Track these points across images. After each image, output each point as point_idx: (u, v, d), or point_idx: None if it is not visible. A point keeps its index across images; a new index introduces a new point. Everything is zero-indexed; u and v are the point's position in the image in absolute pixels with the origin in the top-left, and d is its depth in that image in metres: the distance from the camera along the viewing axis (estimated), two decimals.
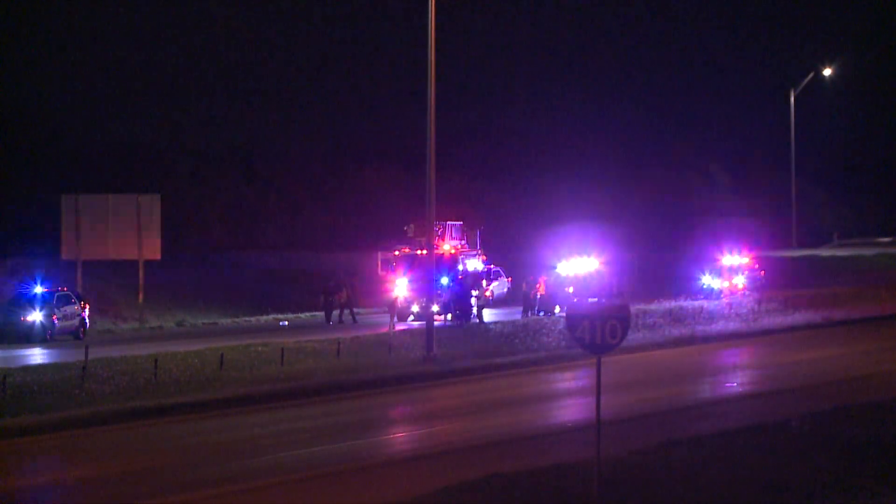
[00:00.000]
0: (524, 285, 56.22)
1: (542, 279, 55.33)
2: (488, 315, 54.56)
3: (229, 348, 40.46)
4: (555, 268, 56.87)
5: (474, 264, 55.63)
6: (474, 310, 52.88)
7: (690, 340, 44.61)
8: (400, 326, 50.80)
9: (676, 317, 49.79)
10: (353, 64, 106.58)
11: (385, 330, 48.77)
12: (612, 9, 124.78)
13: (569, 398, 33.05)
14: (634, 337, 41.49)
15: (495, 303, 58.25)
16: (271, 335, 46.77)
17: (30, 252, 59.25)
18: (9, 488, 22.08)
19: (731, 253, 64.11)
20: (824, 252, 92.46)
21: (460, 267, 54.33)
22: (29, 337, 46.23)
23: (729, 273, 63.25)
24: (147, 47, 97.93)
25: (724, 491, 19.86)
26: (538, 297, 54.77)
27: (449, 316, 52.29)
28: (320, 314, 59.21)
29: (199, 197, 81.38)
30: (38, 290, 48.01)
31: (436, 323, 42.96)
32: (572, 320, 19.64)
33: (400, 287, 52.81)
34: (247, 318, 58.29)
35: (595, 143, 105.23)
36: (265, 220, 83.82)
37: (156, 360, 34.99)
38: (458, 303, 52.28)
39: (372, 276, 57.05)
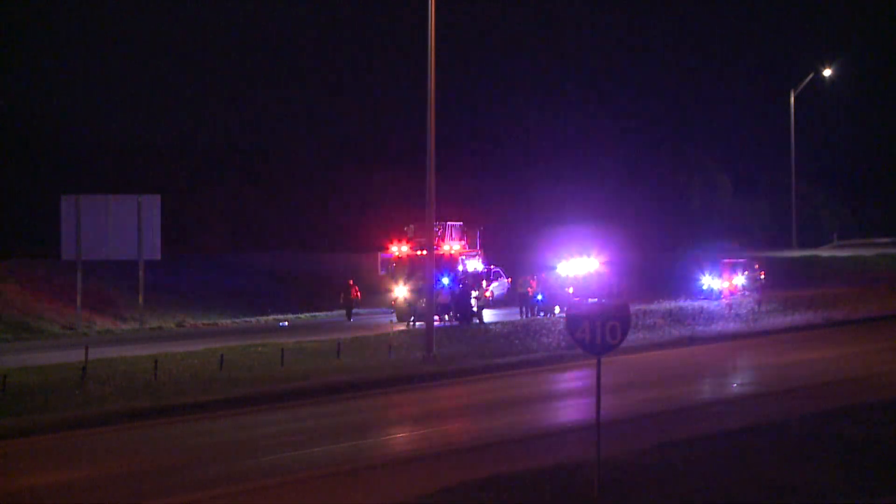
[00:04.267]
0: (518, 285, 56.32)
1: (536, 278, 55.34)
2: (488, 315, 54.58)
3: (229, 349, 40.50)
4: (555, 268, 56.93)
5: (474, 265, 55.65)
6: (474, 310, 52.90)
7: (690, 341, 44.63)
8: (399, 327, 50.83)
9: (676, 317, 49.80)
10: (354, 64, 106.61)
11: (386, 330, 48.83)
12: (613, 9, 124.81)
13: (569, 398, 33.04)
14: (634, 337, 41.53)
15: (495, 303, 58.28)
16: (271, 336, 46.80)
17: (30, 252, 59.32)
18: (9, 488, 22.08)
19: (730, 253, 64.13)
20: (824, 252, 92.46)
21: (460, 267, 54.35)
22: None
23: (729, 273, 63.27)
24: (147, 47, 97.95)
25: (725, 491, 19.86)
26: (534, 296, 54.82)
27: (447, 317, 52.31)
28: (321, 314, 59.46)
29: (199, 197, 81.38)
30: None
31: (436, 323, 42.98)
32: (572, 321, 19.63)
33: (399, 287, 52.89)
34: (247, 319, 58.29)
35: (595, 143, 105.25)
36: (265, 220, 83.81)
37: (156, 361, 35.02)
38: (459, 304, 52.28)
39: (372, 277, 57.23)
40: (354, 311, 56.96)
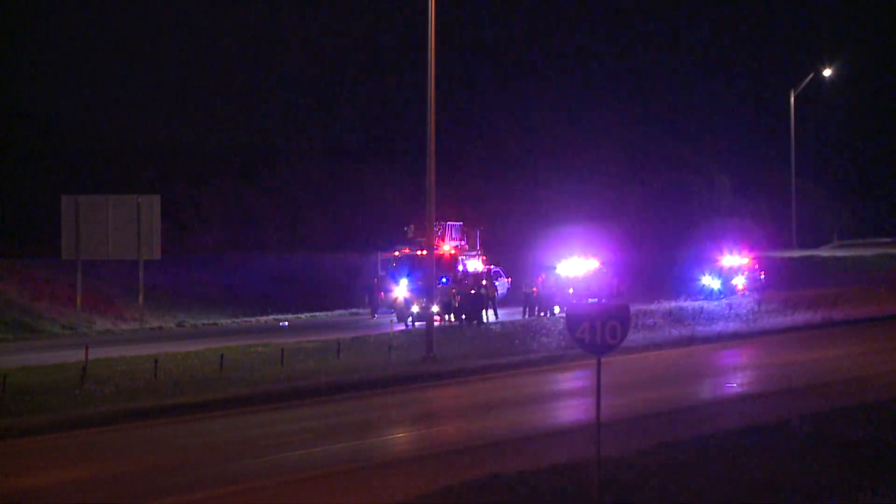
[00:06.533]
0: (523, 286, 56.34)
1: (540, 279, 55.38)
2: None
3: (229, 349, 40.52)
4: (554, 268, 56.93)
5: (474, 265, 55.65)
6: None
7: (690, 341, 44.61)
8: (399, 327, 50.85)
9: (676, 317, 49.81)
10: (353, 63, 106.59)
11: (386, 330, 48.84)
12: (612, 9, 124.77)
13: (569, 399, 33.04)
14: (634, 337, 41.51)
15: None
16: (271, 336, 46.81)
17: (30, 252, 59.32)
18: (9, 488, 22.08)
19: (731, 253, 64.11)
20: (824, 252, 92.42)
21: (460, 268, 54.36)
22: None
23: (729, 273, 63.24)
24: (147, 47, 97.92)
25: (724, 491, 19.86)
26: (537, 296, 54.85)
27: (452, 317, 52.29)
28: (321, 314, 59.47)
29: (199, 197, 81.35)
30: None
31: (436, 323, 42.99)
32: (572, 321, 19.62)
33: (400, 287, 52.91)
34: (247, 319, 58.30)
35: (595, 143, 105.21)
36: (265, 220, 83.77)
37: (156, 361, 35.03)
38: (470, 305, 52.21)
39: (373, 277, 57.23)
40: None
